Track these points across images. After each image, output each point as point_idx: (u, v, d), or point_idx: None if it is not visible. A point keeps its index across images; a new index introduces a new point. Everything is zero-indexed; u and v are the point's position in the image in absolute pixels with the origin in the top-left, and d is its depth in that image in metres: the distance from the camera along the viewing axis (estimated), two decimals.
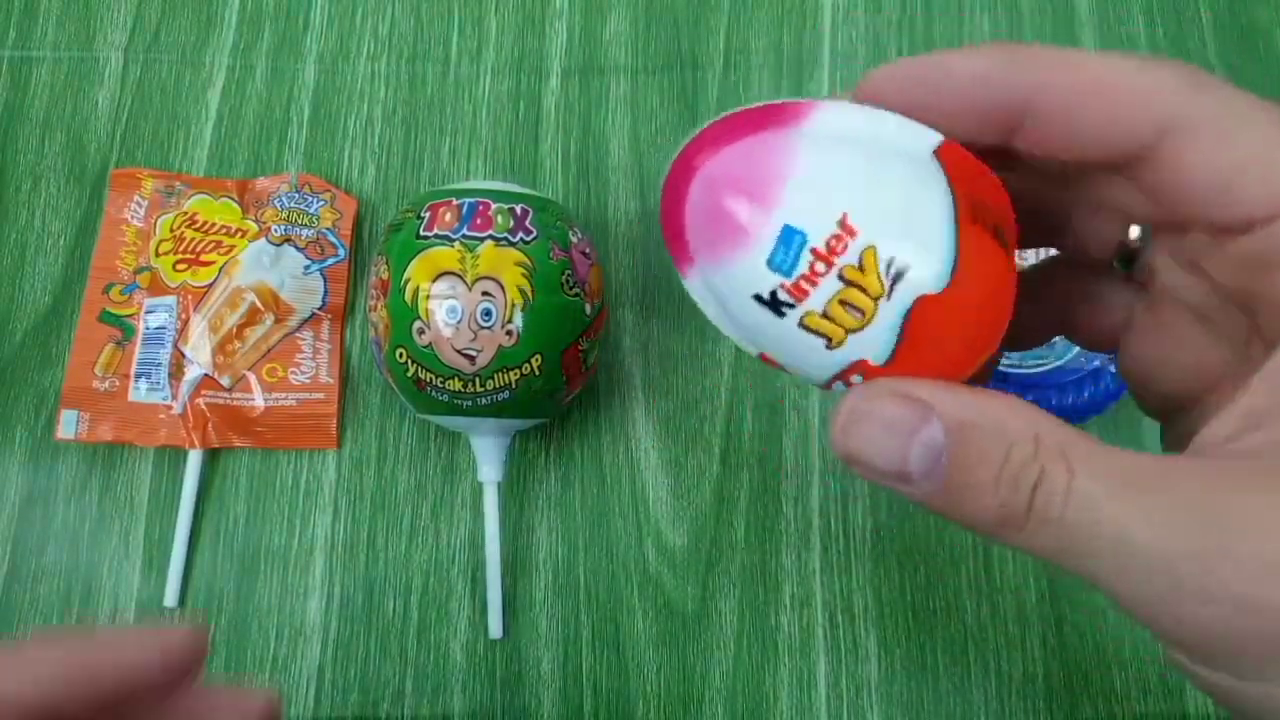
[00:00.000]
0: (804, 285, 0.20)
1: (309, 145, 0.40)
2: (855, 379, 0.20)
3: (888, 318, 0.20)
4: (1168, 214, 0.19)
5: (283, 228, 0.38)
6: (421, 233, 0.32)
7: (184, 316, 0.37)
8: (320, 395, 0.37)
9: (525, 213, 0.32)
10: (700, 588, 0.35)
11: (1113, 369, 0.34)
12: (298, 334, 0.37)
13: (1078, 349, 0.34)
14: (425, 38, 0.41)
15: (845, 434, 0.19)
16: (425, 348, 0.31)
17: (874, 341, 0.20)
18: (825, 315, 0.20)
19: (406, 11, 0.42)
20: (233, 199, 0.38)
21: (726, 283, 0.21)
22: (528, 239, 0.32)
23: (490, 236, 0.32)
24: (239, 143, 0.40)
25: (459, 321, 0.31)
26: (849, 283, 0.19)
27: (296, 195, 0.38)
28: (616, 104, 0.41)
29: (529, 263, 0.31)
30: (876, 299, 0.20)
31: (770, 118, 0.20)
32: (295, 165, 0.40)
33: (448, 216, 0.32)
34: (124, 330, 0.37)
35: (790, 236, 0.20)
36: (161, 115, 0.40)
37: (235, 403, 0.36)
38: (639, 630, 0.35)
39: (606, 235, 0.39)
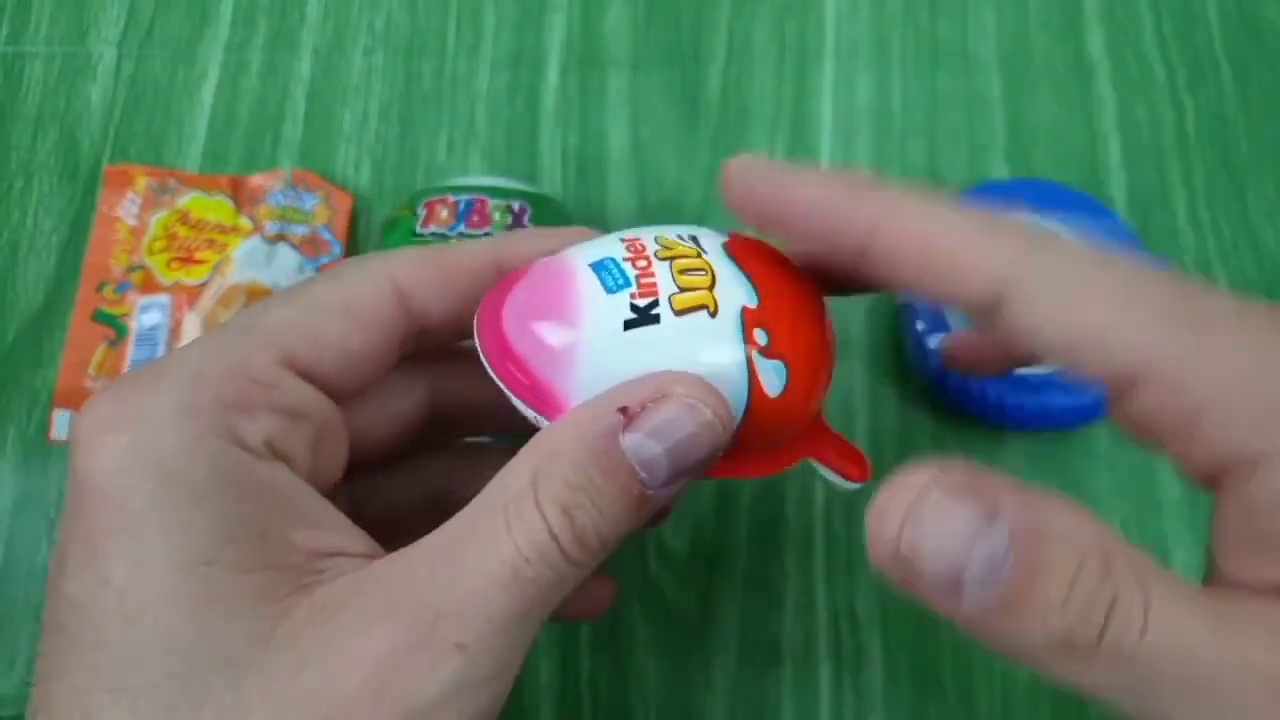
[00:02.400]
0: (645, 282, 0.21)
1: (304, 141, 0.39)
2: (759, 336, 0.21)
3: (720, 262, 0.21)
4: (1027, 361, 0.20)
5: (277, 225, 0.37)
6: (418, 230, 0.31)
7: (177, 316, 0.36)
8: None
9: (523, 209, 0.32)
10: (701, 593, 0.35)
11: None
12: None
13: None
14: (421, 32, 0.41)
15: (904, 532, 0.16)
16: None
17: (733, 287, 0.21)
18: (682, 290, 0.20)
19: (402, 5, 0.41)
20: (226, 196, 0.38)
21: (595, 342, 0.20)
22: None
23: (487, 233, 0.31)
24: (233, 139, 0.39)
25: None
26: (670, 259, 0.21)
27: (291, 192, 0.38)
28: (616, 99, 0.40)
29: None
30: (699, 255, 0.21)
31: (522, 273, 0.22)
32: (289, 162, 0.39)
33: (444, 213, 0.31)
34: (117, 330, 0.36)
35: (601, 265, 0.21)
36: (155, 111, 0.40)
37: None
38: (639, 636, 0.34)
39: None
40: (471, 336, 0.22)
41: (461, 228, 0.31)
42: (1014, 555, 0.15)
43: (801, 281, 0.22)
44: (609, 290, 0.20)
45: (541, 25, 0.41)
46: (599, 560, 0.19)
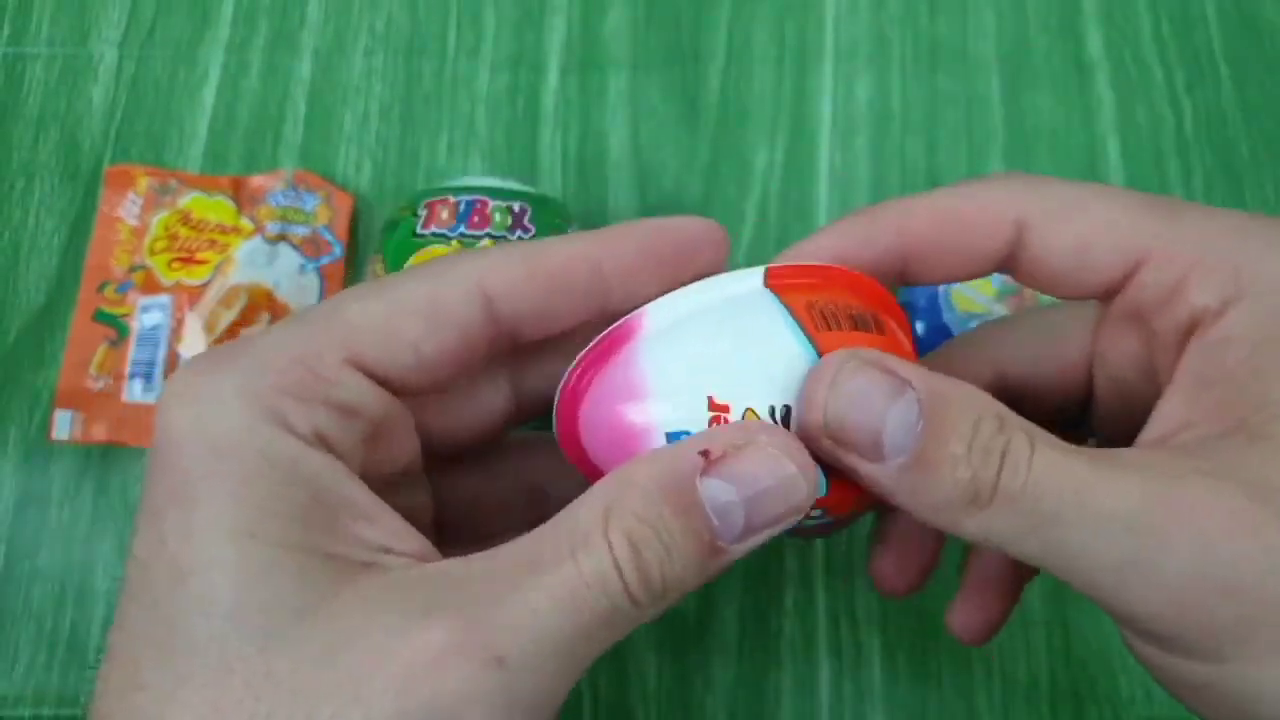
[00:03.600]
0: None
1: (305, 142, 0.39)
2: (814, 513, 0.21)
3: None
4: (1048, 292, 0.22)
5: (278, 225, 0.37)
6: (418, 231, 0.31)
7: (179, 316, 0.36)
8: None
9: (523, 210, 0.32)
10: (701, 592, 0.35)
11: None
12: None
13: None
14: (422, 33, 0.41)
15: (827, 403, 0.19)
16: None
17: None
18: None
19: (403, 7, 0.41)
20: (227, 197, 0.38)
21: None
22: (526, 237, 0.31)
23: (488, 234, 0.31)
24: (234, 140, 0.39)
25: None
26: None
27: (292, 193, 0.38)
28: (616, 100, 0.40)
29: None
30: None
31: (613, 342, 0.21)
32: (290, 162, 0.39)
33: (445, 214, 0.31)
34: (118, 329, 0.36)
35: (675, 439, 0.20)
36: (156, 112, 0.40)
37: None
38: (639, 635, 0.34)
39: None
40: (559, 342, 0.22)
41: (462, 229, 0.31)
42: (923, 417, 0.18)
43: (877, 321, 0.22)
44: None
45: (541, 26, 0.41)
46: (659, 609, 0.19)
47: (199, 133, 0.40)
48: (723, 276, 0.21)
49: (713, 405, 0.20)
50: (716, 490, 0.18)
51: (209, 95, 0.40)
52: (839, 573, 0.35)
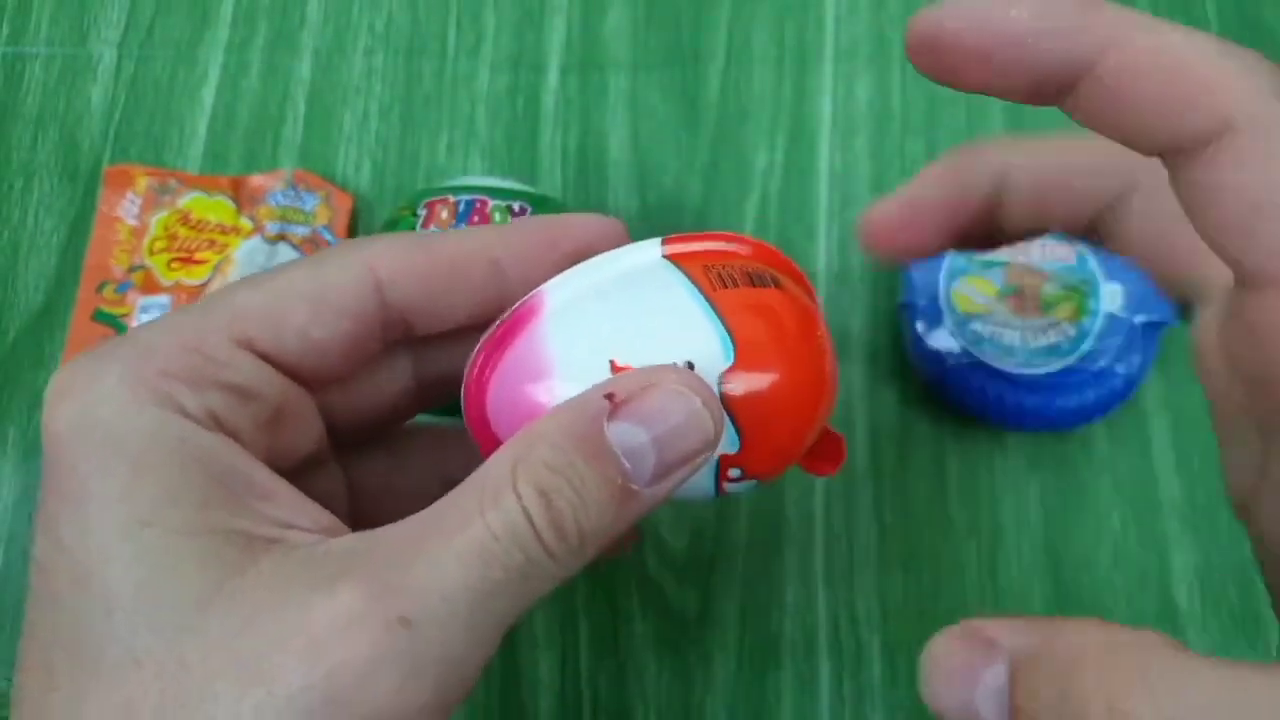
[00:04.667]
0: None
1: (304, 142, 0.39)
2: (733, 473, 0.20)
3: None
4: (1197, 227, 0.17)
5: (277, 225, 0.37)
6: (418, 230, 0.31)
7: None
8: None
9: (523, 210, 0.32)
10: (701, 591, 0.35)
11: (1119, 369, 0.34)
12: None
13: (1083, 351, 0.34)
14: (422, 33, 0.41)
15: (924, 684, 0.17)
16: None
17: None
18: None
19: (403, 6, 0.41)
20: (227, 196, 0.38)
21: None
22: None
23: None
24: (233, 140, 0.39)
25: None
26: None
27: (291, 192, 0.38)
28: (616, 99, 0.40)
29: None
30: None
31: (515, 323, 0.21)
32: (290, 162, 0.39)
33: (444, 214, 0.31)
34: (117, 330, 0.36)
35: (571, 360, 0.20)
36: (155, 112, 0.40)
37: None
38: (639, 634, 0.34)
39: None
40: (457, 329, 0.22)
41: (462, 229, 0.31)
42: (1013, 680, 0.16)
43: (802, 351, 0.21)
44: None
45: (542, 26, 0.41)
46: (578, 559, 0.18)
47: (198, 132, 0.40)
48: (619, 250, 0.21)
49: (614, 369, 0.20)
50: (625, 433, 0.18)
51: (208, 95, 0.40)
52: (839, 572, 0.35)
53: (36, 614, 0.18)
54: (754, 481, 0.21)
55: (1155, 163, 0.17)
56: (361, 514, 0.24)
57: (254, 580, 0.18)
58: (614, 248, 0.22)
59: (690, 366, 0.20)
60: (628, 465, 0.18)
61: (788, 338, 0.21)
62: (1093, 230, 0.22)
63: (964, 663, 0.17)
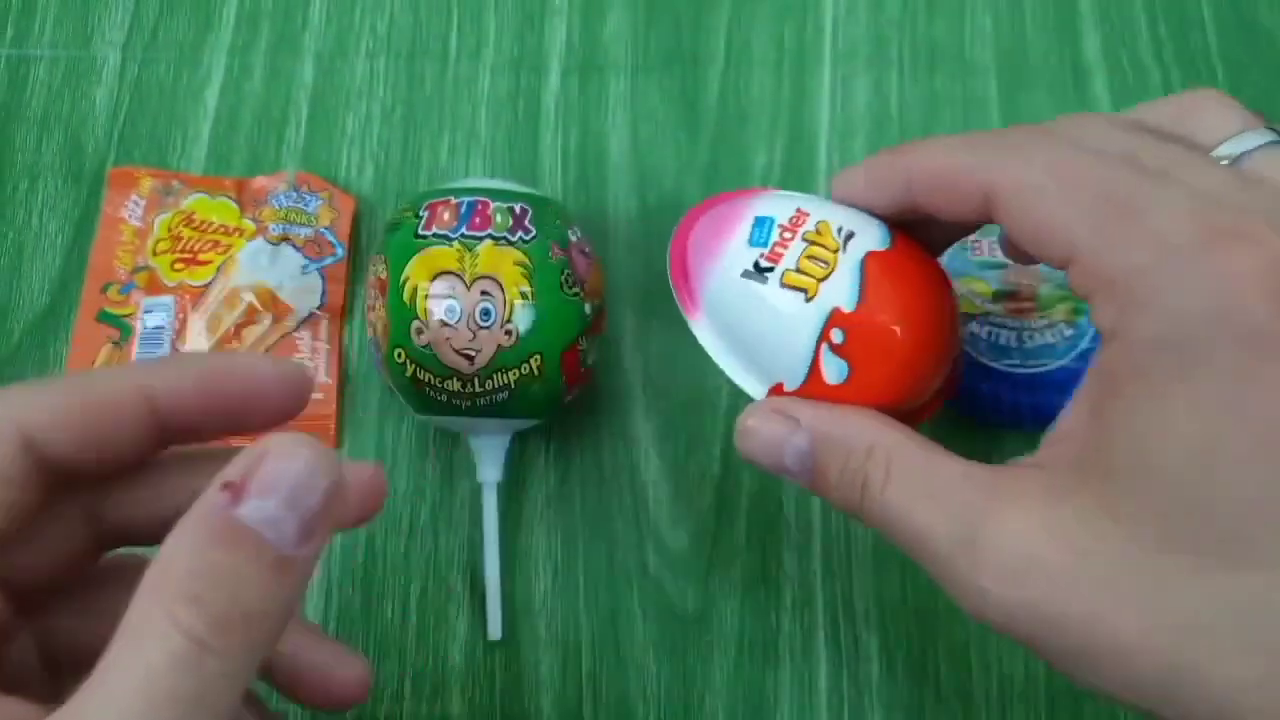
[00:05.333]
0: (778, 251, 0.26)
1: (307, 144, 0.40)
2: (835, 334, 0.25)
3: (848, 265, 0.25)
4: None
5: (280, 227, 0.37)
6: (420, 232, 0.32)
7: (181, 316, 0.37)
8: (318, 395, 0.36)
9: (524, 211, 0.32)
10: (701, 589, 0.35)
11: None
12: (296, 334, 0.37)
13: (1079, 350, 0.34)
14: (424, 36, 0.41)
15: (740, 442, 0.26)
16: (424, 348, 0.31)
17: (841, 288, 0.25)
18: (798, 270, 0.26)
19: (405, 9, 0.42)
20: (230, 198, 0.38)
21: (722, 275, 0.27)
22: (527, 238, 0.32)
23: (489, 235, 0.31)
24: (237, 141, 0.40)
25: (458, 321, 0.31)
26: (811, 242, 0.26)
27: (294, 194, 0.38)
28: (616, 102, 0.40)
29: (528, 262, 0.31)
30: (835, 252, 0.26)
31: (734, 196, 0.29)
32: (293, 164, 0.39)
33: (446, 215, 0.32)
34: (121, 330, 0.37)
35: (762, 222, 0.27)
36: (159, 114, 0.40)
37: None
38: (639, 632, 0.34)
39: (606, 234, 0.39)
40: (115, 475, 0.22)
41: (464, 229, 0.31)
42: (811, 451, 0.25)
43: (929, 299, 0.26)
44: (750, 243, 0.27)
45: (542, 29, 0.41)
46: (261, 641, 0.17)
47: (202, 134, 0.40)
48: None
49: (799, 210, 0.27)
50: (254, 509, 0.17)
51: (212, 97, 0.40)
52: (838, 571, 0.35)
53: None
54: (846, 363, 0.26)
55: (1013, 164, 0.23)
56: (64, 660, 0.22)
57: None
58: (292, 397, 0.22)
59: (850, 234, 0.26)
60: (270, 536, 0.17)
61: (924, 270, 0.27)
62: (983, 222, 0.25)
63: (775, 433, 0.26)
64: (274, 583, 0.17)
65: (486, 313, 0.31)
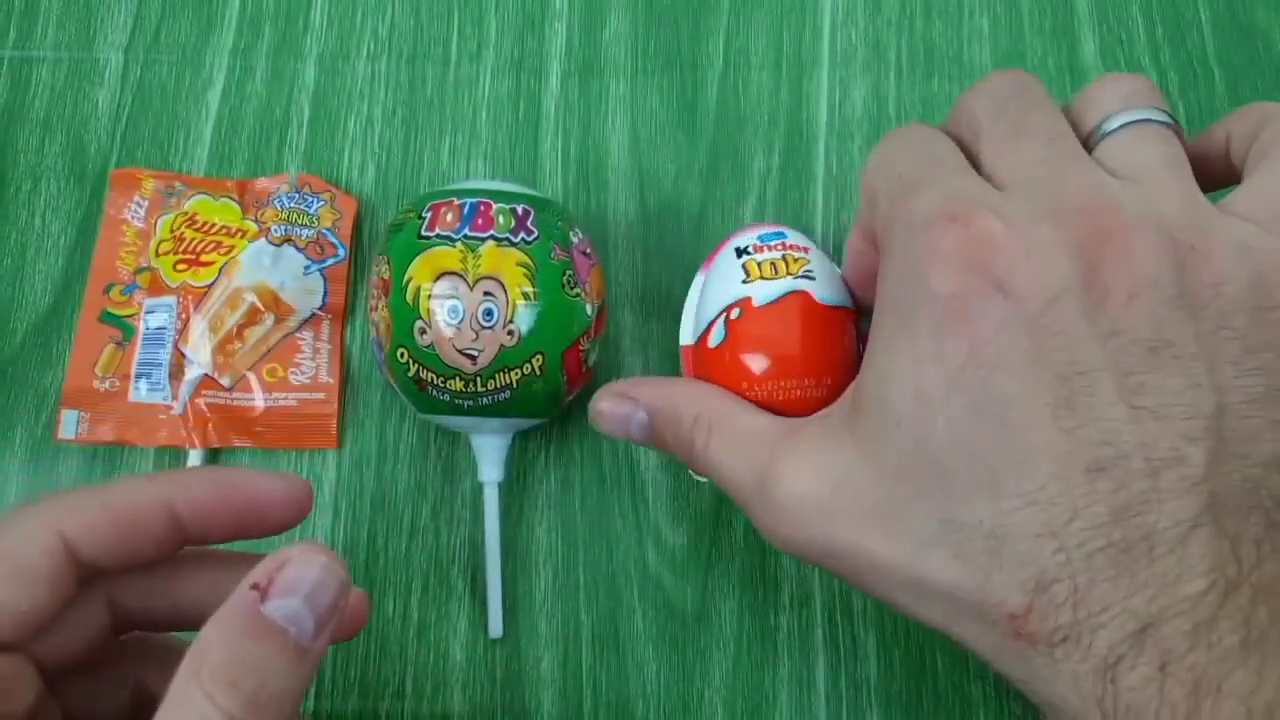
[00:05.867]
0: (764, 249, 0.32)
1: (309, 145, 0.40)
2: (735, 313, 0.31)
3: (780, 286, 0.31)
4: None
5: (282, 228, 0.38)
6: (423, 233, 0.32)
7: (184, 317, 0.37)
8: (320, 395, 0.37)
9: (527, 213, 0.32)
10: (700, 588, 0.35)
11: None
12: (298, 334, 0.37)
13: None
14: (425, 38, 0.42)
15: (594, 423, 0.32)
16: (427, 348, 0.31)
17: (764, 293, 0.31)
18: (758, 264, 0.32)
19: (406, 12, 0.42)
20: (233, 199, 0.38)
21: (729, 247, 0.33)
22: (529, 239, 0.32)
23: (492, 236, 0.32)
24: (239, 143, 0.40)
25: (460, 321, 0.31)
26: (785, 259, 0.32)
27: (296, 195, 0.38)
28: (616, 104, 0.41)
29: (530, 263, 0.32)
30: (787, 275, 0.31)
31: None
32: (295, 165, 0.40)
33: (449, 216, 0.32)
34: (124, 330, 0.37)
35: (780, 234, 0.33)
36: (161, 115, 0.40)
37: (235, 403, 0.36)
38: (639, 630, 0.35)
39: (606, 235, 0.39)
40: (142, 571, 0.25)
41: (466, 230, 0.32)
42: (651, 420, 0.30)
43: (808, 338, 0.31)
44: (759, 238, 0.33)
45: (543, 32, 0.42)
46: (285, 716, 0.20)
47: (204, 136, 0.40)
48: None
49: (802, 247, 0.33)
50: (279, 607, 0.20)
51: (214, 99, 0.41)
52: None
53: None
54: (724, 326, 0.32)
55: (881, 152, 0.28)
56: None
57: None
58: (294, 508, 0.25)
59: (808, 275, 0.32)
60: (292, 630, 0.20)
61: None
62: None
63: (621, 412, 0.31)
64: (295, 668, 0.20)
65: (489, 313, 0.31)
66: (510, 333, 0.31)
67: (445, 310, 0.31)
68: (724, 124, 0.41)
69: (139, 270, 0.38)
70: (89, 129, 0.40)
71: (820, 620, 0.35)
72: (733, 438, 0.28)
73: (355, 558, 0.35)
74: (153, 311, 0.37)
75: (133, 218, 0.38)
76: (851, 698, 0.34)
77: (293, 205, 0.38)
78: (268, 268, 0.37)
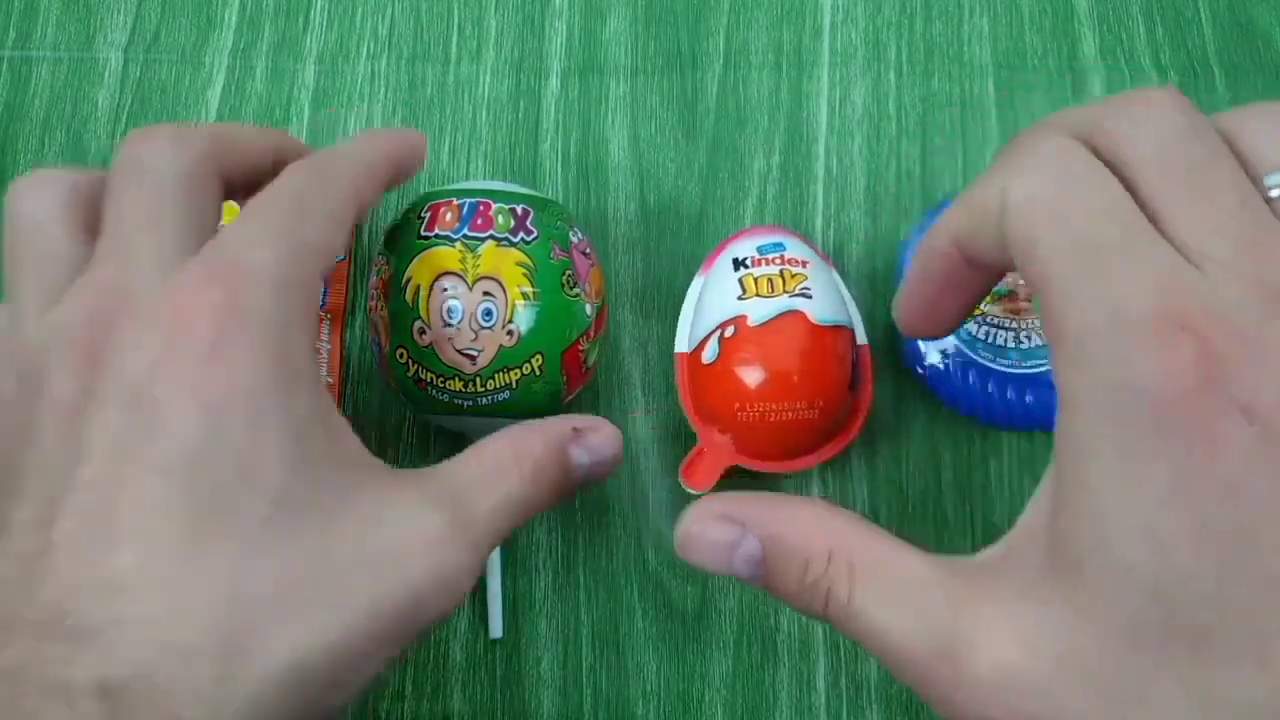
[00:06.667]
0: (761, 262, 0.33)
1: (309, 145, 0.40)
2: (730, 331, 0.33)
3: (778, 305, 0.32)
4: None
5: None
6: (423, 233, 0.32)
7: None
8: None
9: (526, 213, 0.32)
10: (700, 588, 0.35)
11: None
12: None
13: None
14: (425, 38, 0.42)
15: (684, 552, 0.25)
16: (426, 348, 0.31)
17: (758, 312, 0.32)
18: (755, 279, 0.33)
19: (406, 12, 0.42)
20: (232, 200, 0.38)
21: (726, 254, 0.35)
22: (529, 239, 0.32)
23: (491, 236, 0.32)
24: None
25: (460, 321, 0.31)
26: (782, 275, 0.33)
27: None
28: (616, 104, 0.41)
29: (530, 263, 0.32)
30: (783, 293, 0.32)
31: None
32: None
33: (449, 216, 0.32)
34: None
35: (778, 246, 0.34)
36: (161, 115, 0.40)
37: None
38: (639, 630, 0.35)
39: (606, 235, 0.39)
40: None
41: (466, 230, 0.32)
42: (764, 556, 0.24)
43: (805, 362, 0.33)
44: (758, 249, 0.35)
45: (543, 32, 0.42)
46: (542, 489, 0.27)
47: None
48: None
49: (798, 260, 0.35)
50: (577, 455, 0.27)
51: (214, 98, 0.41)
52: None
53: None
54: (718, 343, 0.34)
55: (1027, 170, 0.22)
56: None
57: (374, 493, 0.24)
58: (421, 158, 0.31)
59: (805, 292, 0.33)
60: (575, 470, 0.28)
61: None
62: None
63: (720, 541, 0.24)
64: (562, 486, 0.27)
65: (488, 313, 0.31)
66: (510, 333, 0.31)
67: (444, 310, 0.31)
68: (724, 123, 0.41)
69: None
70: (89, 129, 0.40)
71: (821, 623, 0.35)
72: (891, 586, 0.22)
73: None
74: None
75: None
76: (852, 698, 0.34)
77: None
78: None
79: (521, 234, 0.32)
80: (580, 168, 0.40)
